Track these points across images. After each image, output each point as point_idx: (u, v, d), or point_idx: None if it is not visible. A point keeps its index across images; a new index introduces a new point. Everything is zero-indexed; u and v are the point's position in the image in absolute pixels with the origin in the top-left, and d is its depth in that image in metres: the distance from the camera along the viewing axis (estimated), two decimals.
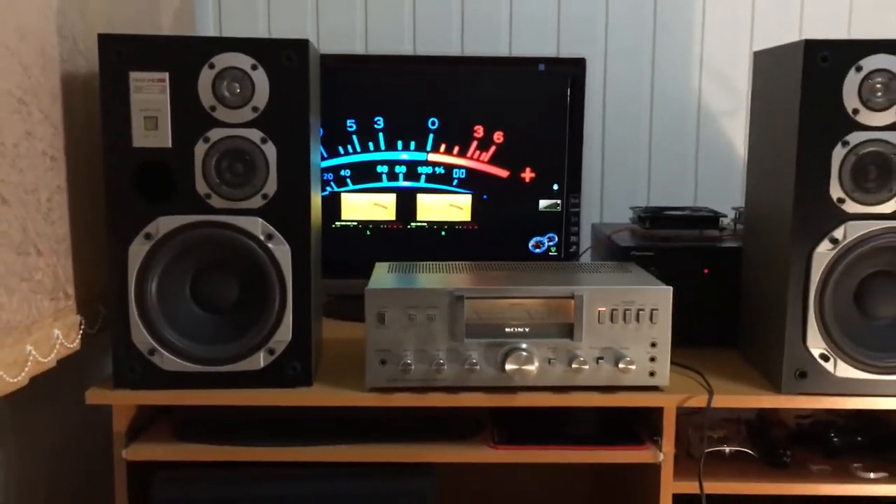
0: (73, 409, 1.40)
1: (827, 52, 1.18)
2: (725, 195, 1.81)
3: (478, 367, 1.22)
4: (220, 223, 1.20)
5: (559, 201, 1.68)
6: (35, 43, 1.12)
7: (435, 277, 1.32)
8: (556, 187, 1.67)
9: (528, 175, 1.67)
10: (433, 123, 1.65)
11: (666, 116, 1.86)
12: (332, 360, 1.38)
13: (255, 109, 1.19)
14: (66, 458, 1.41)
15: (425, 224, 1.69)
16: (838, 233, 1.21)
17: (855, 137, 1.19)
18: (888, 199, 1.20)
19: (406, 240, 1.68)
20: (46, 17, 1.15)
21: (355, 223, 1.69)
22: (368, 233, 1.69)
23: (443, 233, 1.69)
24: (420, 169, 1.67)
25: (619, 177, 1.87)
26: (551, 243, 1.69)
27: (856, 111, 1.19)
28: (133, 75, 1.16)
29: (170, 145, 1.18)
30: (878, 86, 1.18)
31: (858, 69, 1.17)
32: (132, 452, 1.23)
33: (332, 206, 1.67)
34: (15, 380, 1.05)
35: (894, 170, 1.19)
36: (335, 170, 1.67)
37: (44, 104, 1.14)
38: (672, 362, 1.26)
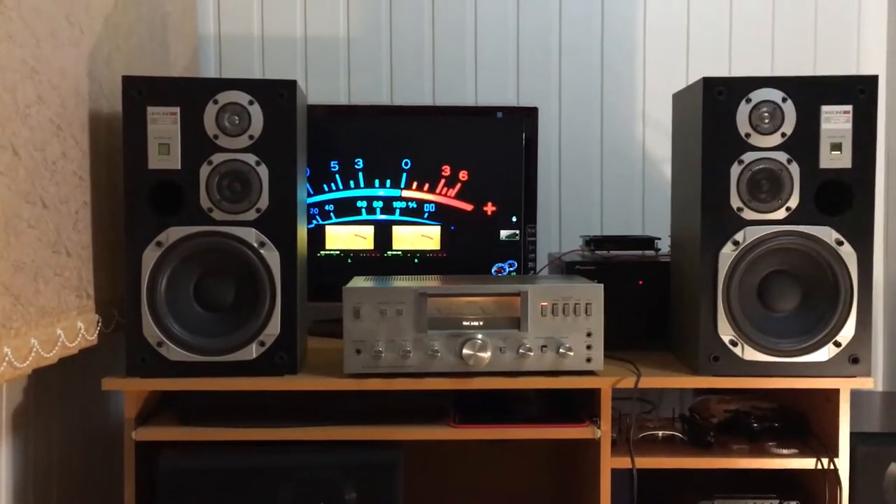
0: (86, 402, 1.60)
1: (722, 87, 1.43)
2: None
3: (439, 355, 1.42)
4: (220, 233, 1.42)
5: (517, 231, 1.90)
6: (71, 82, 1.36)
7: (403, 282, 1.53)
8: (514, 219, 1.90)
9: (489, 208, 1.90)
10: (406, 164, 1.89)
11: (615, 159, 2.11)
12: (315, 361, 1.57)
13: (251, 137, 1.42)
14: (78, 443, 1.59)
15: (400, 252, 1.91)
16: (739, 236, 1.43)
17: (748, 157, 1.43)
18: (779, 208, 1.43)
19: (383, 267, 1.90)
20: (80, 62, 1.39)
21: (338, 252, 1.91)
22: (350, 261, 1.91)
23: (416, 260, 1.91)
24: (395, 204, 1.90)
25: (575, 212, 2.11)
26: (511, 268, 1.91)
27: (748, 135, 1.43)
28: (150, 109, 1.40)
29: (179, 167, 1.41)
30: (765, 114, 1.42)
31: (748, 101, 1.42)
32: (140, 434, 1.42)
33: (317, 237, 1.89)
34: (48, 355, 1.25)
35: (782, 183, 1.42)
36: (320, 205, 1.89)
37: (75, 132, 1.37)
38: (609, 356, 1.47)
